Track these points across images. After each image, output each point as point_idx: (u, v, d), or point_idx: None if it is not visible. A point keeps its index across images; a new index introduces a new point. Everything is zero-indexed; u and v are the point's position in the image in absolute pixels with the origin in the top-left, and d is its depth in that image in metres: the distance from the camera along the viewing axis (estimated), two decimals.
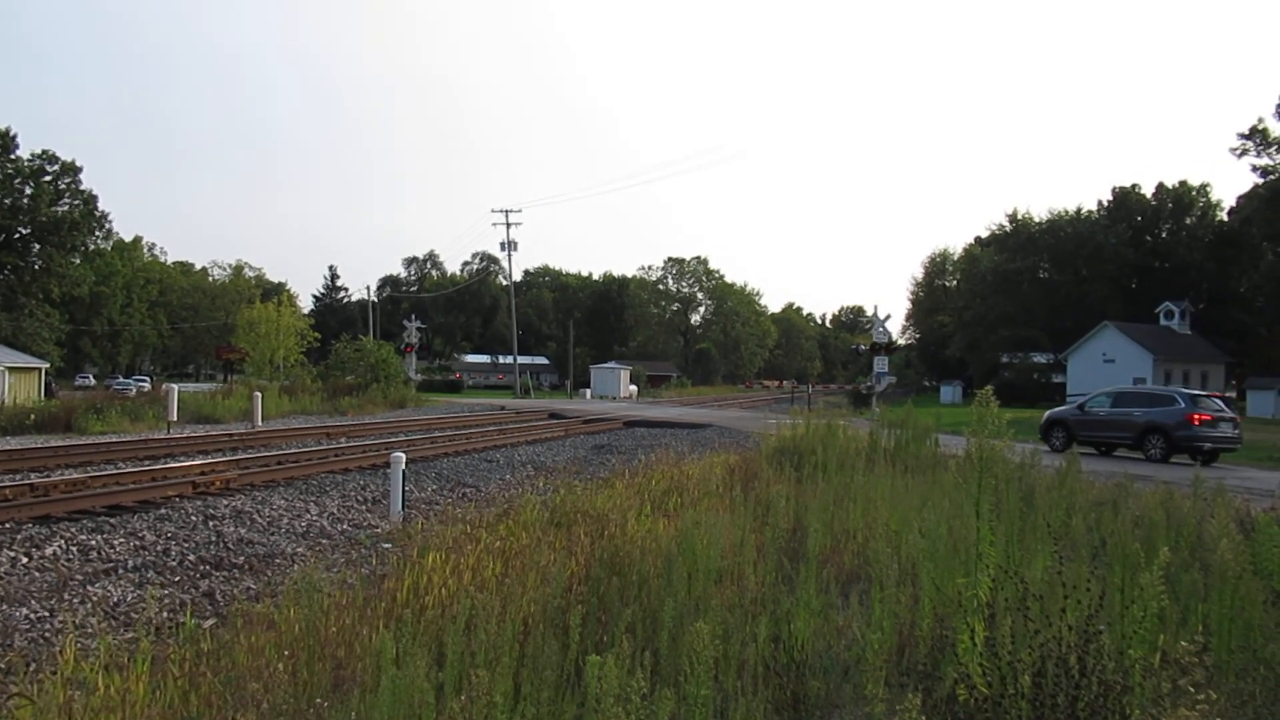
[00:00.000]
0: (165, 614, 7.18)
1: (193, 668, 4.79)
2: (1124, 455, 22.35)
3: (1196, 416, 21.35)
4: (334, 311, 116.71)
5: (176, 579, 8.50)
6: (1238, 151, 60.19)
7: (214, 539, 10.25)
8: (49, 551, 9.15)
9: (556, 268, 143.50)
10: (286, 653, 4.86)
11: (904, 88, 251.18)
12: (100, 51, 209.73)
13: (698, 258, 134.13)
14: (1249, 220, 60.94)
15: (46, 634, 6.65)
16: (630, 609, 5.27)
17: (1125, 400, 23.35)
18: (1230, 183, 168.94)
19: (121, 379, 78.31)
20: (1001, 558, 5.48)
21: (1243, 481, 16.43)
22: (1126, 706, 3.88)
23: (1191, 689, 3.75)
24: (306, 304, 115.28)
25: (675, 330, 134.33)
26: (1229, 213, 69.39)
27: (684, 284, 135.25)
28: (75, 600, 7.55)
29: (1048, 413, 25.70)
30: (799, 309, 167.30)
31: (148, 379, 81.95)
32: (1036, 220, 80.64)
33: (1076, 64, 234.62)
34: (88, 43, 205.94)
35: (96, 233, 75.57)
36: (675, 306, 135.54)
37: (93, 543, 9.63)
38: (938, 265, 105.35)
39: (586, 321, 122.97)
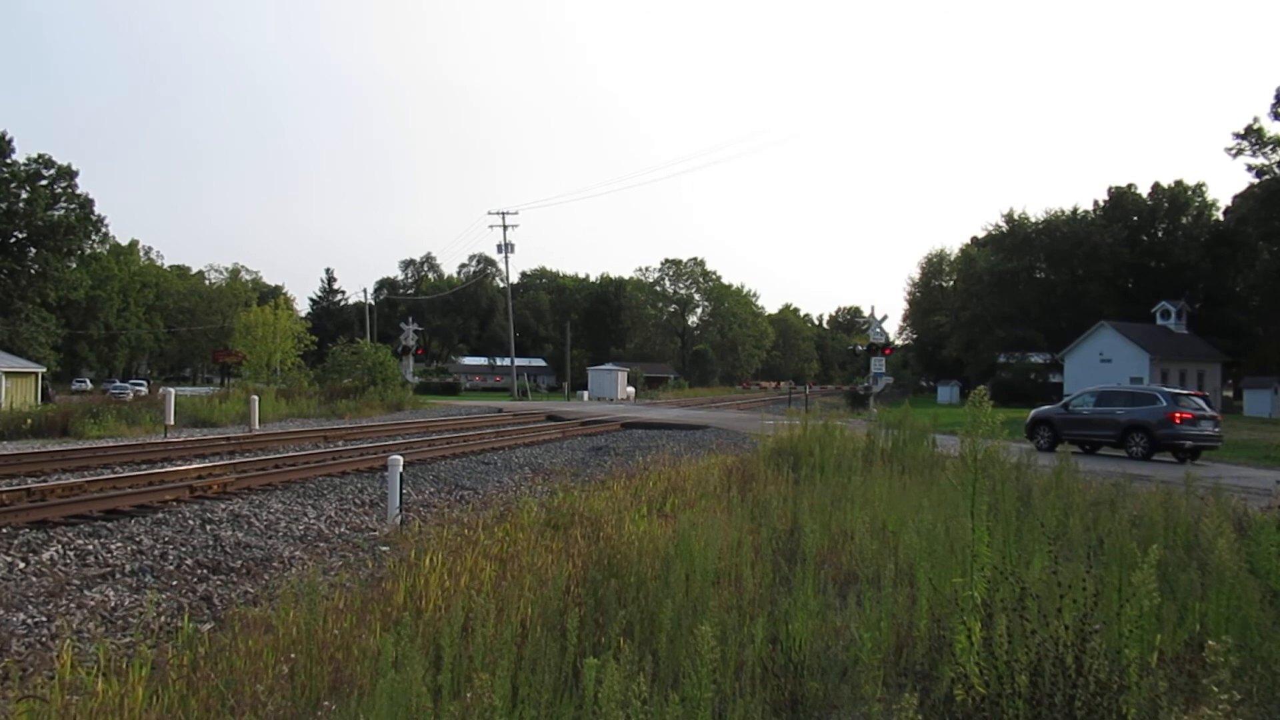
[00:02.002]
0: (163, 618, 7.17)
1: (191, 672, 4.79)
2: (1109, 454, 22.49)
3: (1178, 415, 21.61)
4: (331, 314, 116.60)
5: (174, 583, 8.49)
6: (1233, 151, 60.23)
7: (211, 543, 10.23)
8: (46, 556, 9.13)
9: (553, 269, 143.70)
10: (286, 656, 4.86)
11: (900, 89, 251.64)
12: (98, 54, 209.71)
13: (694, 259, 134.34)
14: (1245, 220, 60.98)
15: (44, 639, 6.64)
16: (628, 611, 5.27)
17: (1108, 399, 23.58)
18: (1226, 182, 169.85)
19: (118, 383, 78.20)
20: (998, 558, 5.49)
21: (1239, 480, 16.46)
22: (1123, 705, 3.89)
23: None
24: (303, 307, 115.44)
25: (672, 332, 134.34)
26: (1225, 212, 69.45)
27: (681, 285, 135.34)
28: (73, 605, 7.54)
29: (1033, 411, 25.88)
30: (796, 310, 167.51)
31: (145, 383, 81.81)
32: (1033, 220, 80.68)
33: (1072, 64, 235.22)
34: (87, 44, 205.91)
35: (93, 236, 75.49)
36: (672, 308, 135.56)
37: (90, 547, 9.62)
38: (934, 266, 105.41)
39: (584, 323, 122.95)
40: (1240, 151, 59.84)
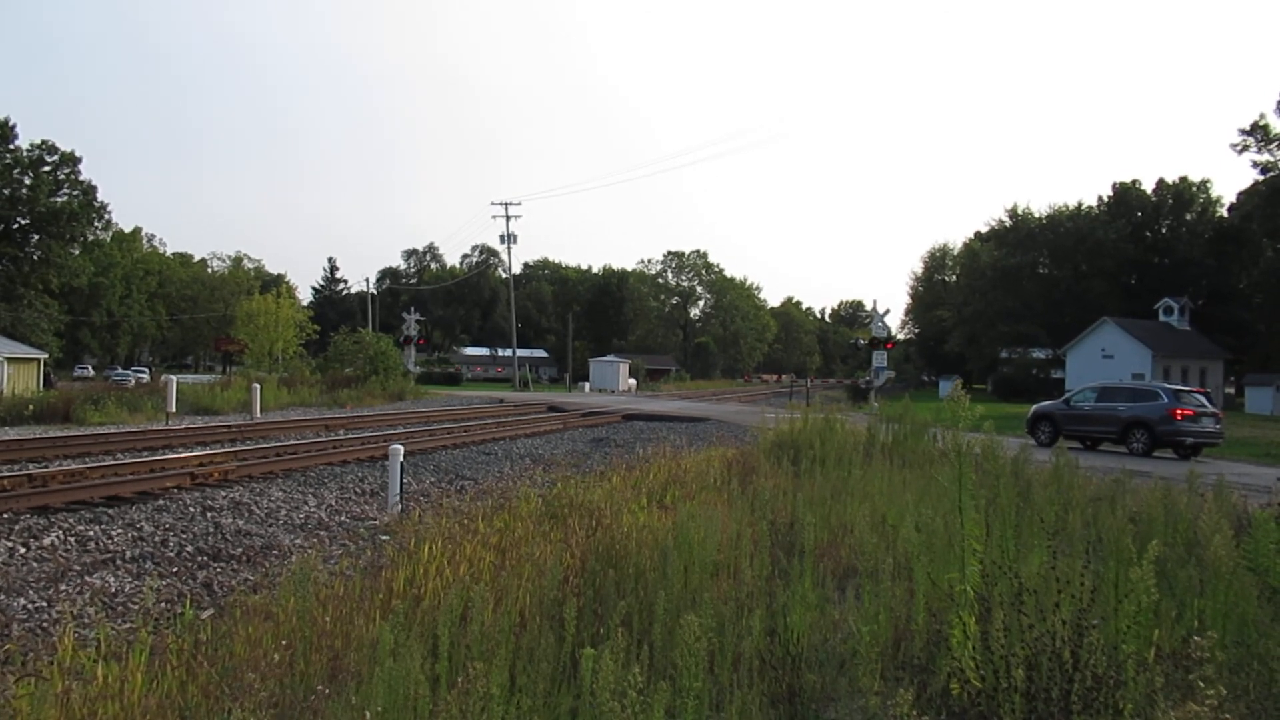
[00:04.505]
0: (163, 604, 7.19)
1: (190, 658, 4.80)
2: (1109, 450, 22.51)
3: (1179, 411, 21.64)
4: (333, 303, 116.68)
5: (174, 570, 8.51)
6: (1238, 148, 60.10)
7: (212, 530, 10.26)
8: (47, 542, 9.16)
9: (556, 261, 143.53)
10: (284, 643, 4.87)
11: (904, 82, 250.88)
12: (101, 40, 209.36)
13: (697, 251, 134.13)
14: (1249, 217, 60.84)
15: (44, 624, 6.66)
16: (626, 601, 5.28)
17: (1110, 395, 23.61)
18: (1231, 179, 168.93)
19: (120, 370, 78.28)
20: (996, 553, 5.49)
21: (1239, 477, 16.46)
22: (1119, 700, 3.90)
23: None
24: (305, 296, 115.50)
25: (674, 324, 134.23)
26: (1229, 209, 69.28)
27: (683, 278, 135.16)
28: (73, 590, 7.57)
29: (1034, 407, 25.90)
30: (798, 303, 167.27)
31: (146, 370, 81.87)
32: (1036, 215, 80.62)
33: (1077, 59, 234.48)
34: (90, 31, 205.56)
35: (95, 223, 75.44)
36: (674, 300, 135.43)
37: (91, 533, 9.65)
38: (937, 260, 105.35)
39: (585, 315, 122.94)
40: (1245, 148, 59.73)
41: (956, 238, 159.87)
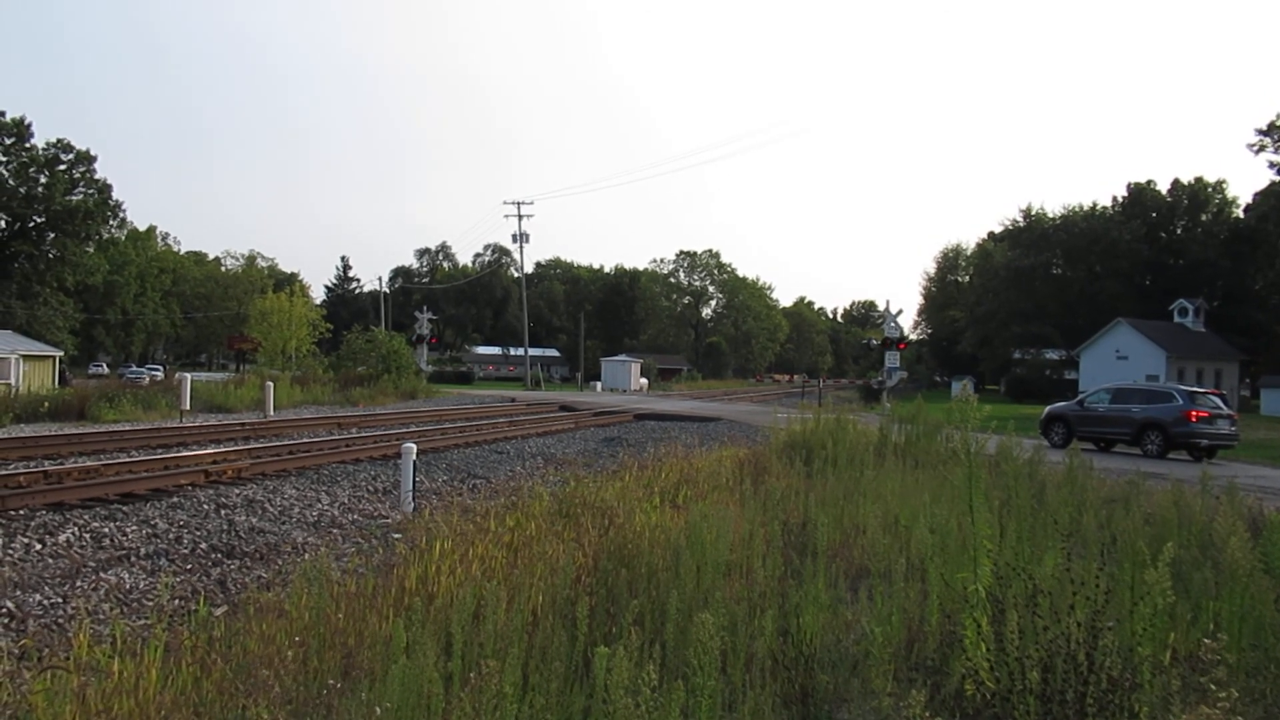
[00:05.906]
0: (177, 601, 7.23)
1: (204, 654, 4.83)
2: (1124, 451, 22.39)
3: (1194, 413, 21.51)
4: (346, 302, 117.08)
5: (189, 567, 8.56)
6: (1255, 148, 59.72)
7: (226, 527, 10.31)
8: (62, 538, 9.22)
9: (568, 260, 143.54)
10: (297, 640, 4.89)
11: (917, 81, 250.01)
12: (116, 40, 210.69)
13: (709, 251, 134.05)
14: (1265, 217, 60.39)
15: (60, 619, 6.71)
16: (638, 601, 5.28)
17: (1124, 396, 23.49)
18: (1247, 179, 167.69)
19: (135, 368, 78.67)
20: (1011, 554, 5.47)
21: (1255, 480, 16.35)
22: (1135, 703, 3.88)
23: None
24: (319, 294, 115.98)
25: (686, 324, 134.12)
26: (1245, 210, 68.77)
27: (695, 277, 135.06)
28: (88, 587, 7.61)
29: (1048, 408, 25.78)
30: (810, 303, 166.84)
31: (161, 368, 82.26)
32: (1050, 216, 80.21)
33: (1092, 59, 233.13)
34: (105, 30, 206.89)
35: (110, 222, 75.83)
36: (686, 300, 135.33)
37: (106, 530, 9.70)
38: (950, 260, 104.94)
39: (597, 314, 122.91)
40: (1262, 148, 59.34)
41: (970, 238, 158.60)
